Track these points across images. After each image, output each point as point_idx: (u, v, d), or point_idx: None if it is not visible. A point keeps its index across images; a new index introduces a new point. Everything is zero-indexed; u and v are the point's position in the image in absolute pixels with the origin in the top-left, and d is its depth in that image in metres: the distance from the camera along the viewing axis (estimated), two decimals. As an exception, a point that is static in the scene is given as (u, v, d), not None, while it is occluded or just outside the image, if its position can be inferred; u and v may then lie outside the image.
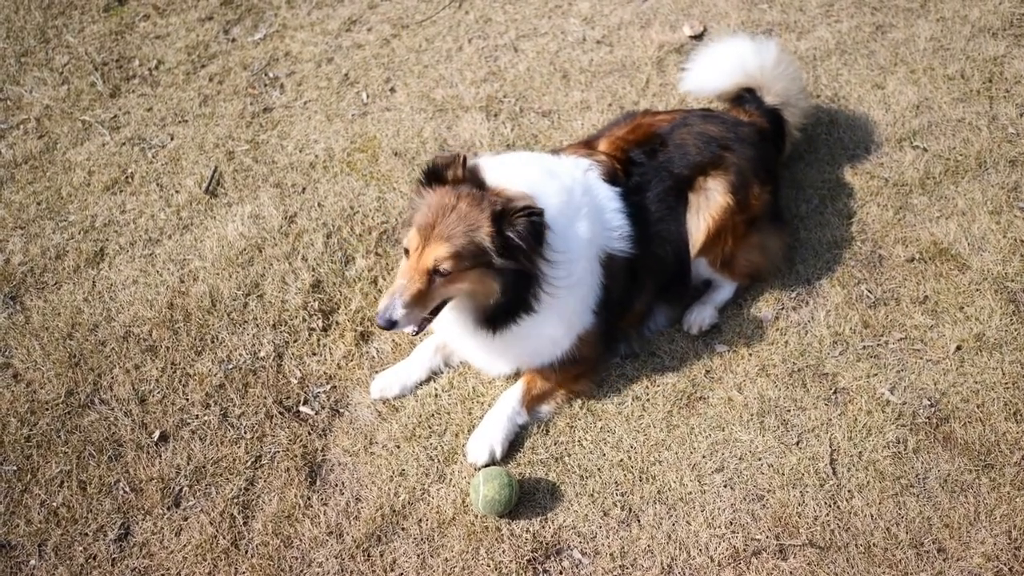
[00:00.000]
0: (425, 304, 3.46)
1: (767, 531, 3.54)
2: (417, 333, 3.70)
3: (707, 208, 4.06)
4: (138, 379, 4.09)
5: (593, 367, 4.00)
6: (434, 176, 3.54)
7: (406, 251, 3.49)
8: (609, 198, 3.88)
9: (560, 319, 3.76)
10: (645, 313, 4.18)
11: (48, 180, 5.04)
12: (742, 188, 4.09)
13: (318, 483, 3.74)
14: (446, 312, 3.66)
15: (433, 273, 3.41)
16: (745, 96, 4.64)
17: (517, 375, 3.98)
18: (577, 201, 3.72)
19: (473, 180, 3.53)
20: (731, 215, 4.06)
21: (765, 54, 4.58)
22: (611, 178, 3.93)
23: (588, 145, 4.18)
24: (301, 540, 3.57)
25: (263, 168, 5.05)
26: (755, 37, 4.82)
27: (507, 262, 3.46)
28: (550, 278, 3.59)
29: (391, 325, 3.42)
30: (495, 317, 3.62)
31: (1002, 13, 5.62)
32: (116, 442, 3.88)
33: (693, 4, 5.91)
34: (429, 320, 3.60)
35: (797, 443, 3.79)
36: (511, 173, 3.64)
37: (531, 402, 3.89)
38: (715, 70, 4.67)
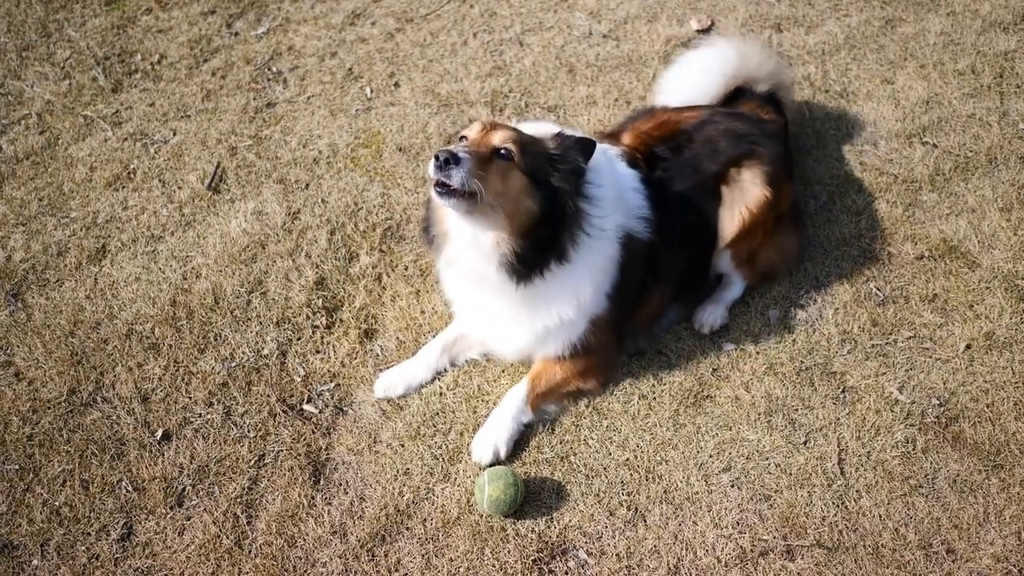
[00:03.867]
0: (481, 173, 3.28)
1: (774, 531, 3.51)
2: (445, 194, 3.29)
3: (743, 201, 4.02)
4: (141, 377, 4.07)
5: (602, 361, 3.96)
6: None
7: (461, 137, 3.47)
8: (630, 177, 3.85)
9: (581, 283, 3.68)
10: (660, 311, 4.15)
11: (50, 176, 5.02)
12: (776, 182, 4.05)
13: (322, 482, 3.72)
14: (471, 258, 3.51)
15: (495, 152, 3.37)
16: (735, 95, 4.58)
17: (523, 371, 3.96)
18: (603, 168, 3.70)
19: None
20: (768, 209, 4.02)
21: (731, 57, 4.53)
22: (631, 163, 3.91)
23: (612, 136, 4.14)
24: (305, 540, 3.55)
25: (266, 164, 5.02)
26: (711, 44, 4.75)
27: (561, 184, 3.47)
28: (590, 218, 3.56)
29: (453, 157, 3.22)
30: (525, 259, 3.47)
31: (1013, 7, 5.58)
32: (119, 441, 3.86)
33: (700, -2, 5.88)
34: (465, 198, 3.30)
35: (805, 442, 3.76)
36: (545, 130, 3.69)
37: (536, 400, 3.86)
38: (697, 87, 4.58)
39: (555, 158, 3.49)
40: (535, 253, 3.49)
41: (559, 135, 3.58)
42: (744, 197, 4.03)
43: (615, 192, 3.72)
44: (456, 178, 3.24)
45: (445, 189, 3.28)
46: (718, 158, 4.03)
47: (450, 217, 3.50)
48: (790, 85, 4.81)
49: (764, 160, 4.05)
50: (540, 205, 3.44)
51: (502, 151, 3.37)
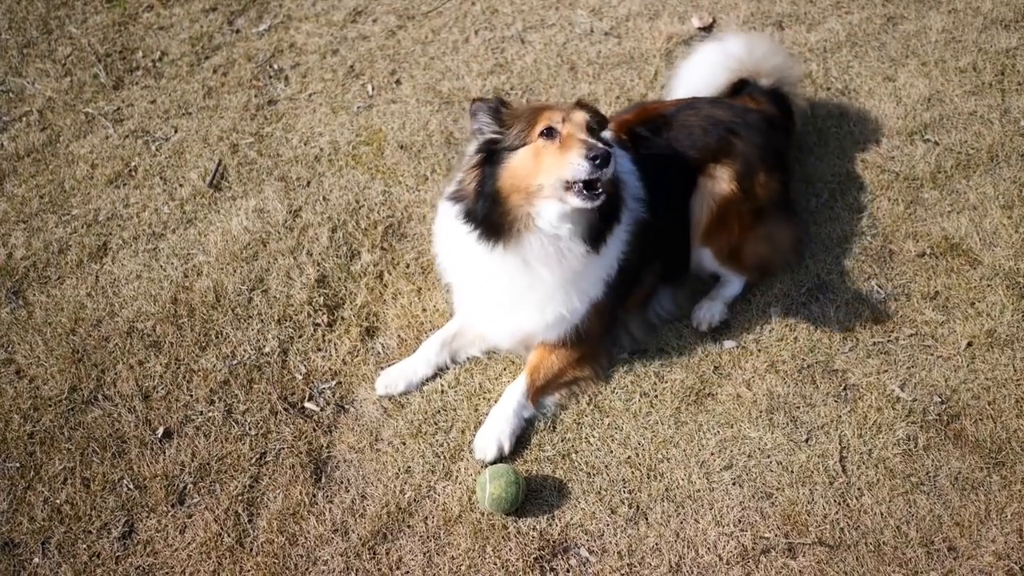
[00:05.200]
0: None
1: (776, 529, 3.51)
2: (599, 196, 3.36)
3: (711, 195, 4.06)
4: (142, 375, 4.07)
5: (597, 348, 3.98)
6: (502, 103, 3.63)
7: (548, 131, 3.43)
8: (623, 156, 3.88)
9: (605, 258, 3.73)
10: (650, 292, 4.17)
11: (51, 173, 5.01)
12: (747, 176, 4.07)
13: (323, 480, 3.72)
14: (555, 243, 3.53)
15: (589, 131, 3.43)
16: (740, 87, 4.61)
17: (522, 367, 3.95)
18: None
19: None
20: (735, 203, 4.05)
21: (740, 47, 4.59)
22: (620, 145, 3.94)
23: None
24: (306, 538, 3.55)
25: (267, 161, 5.01)
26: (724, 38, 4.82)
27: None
28: (625, 184, 3.69)
29: (607, 153, 3.27)
30: (606, 216, 3.57)
31: (1015, 4, 5.57)
32: (120, 439, 3.86)
33: (701, -5, 5.87)
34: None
35: (806, 440, 3.76)
36: None
37: (536, 393, 3.87)
38: (699, 81, 4.63)
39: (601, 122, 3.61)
40: (610, 211, 3.60)
41: (581, 102, 3.65)
42: (713, 192, 4.06)
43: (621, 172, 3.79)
44: (607, 173, 3.33)
45: (595, 192, 3.35)
46: (695, 144, 4.07)
47: (547, 209, 3.46)
48: (796, 81, 4.80)
49: (735, 156, 4.08)
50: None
51: (591, 127, 3.46)
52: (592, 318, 3.85)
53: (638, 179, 3.88)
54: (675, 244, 4.16)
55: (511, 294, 3.76)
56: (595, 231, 3.57)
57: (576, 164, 3.29)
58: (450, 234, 3.73)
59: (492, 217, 3.52)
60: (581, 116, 3.46)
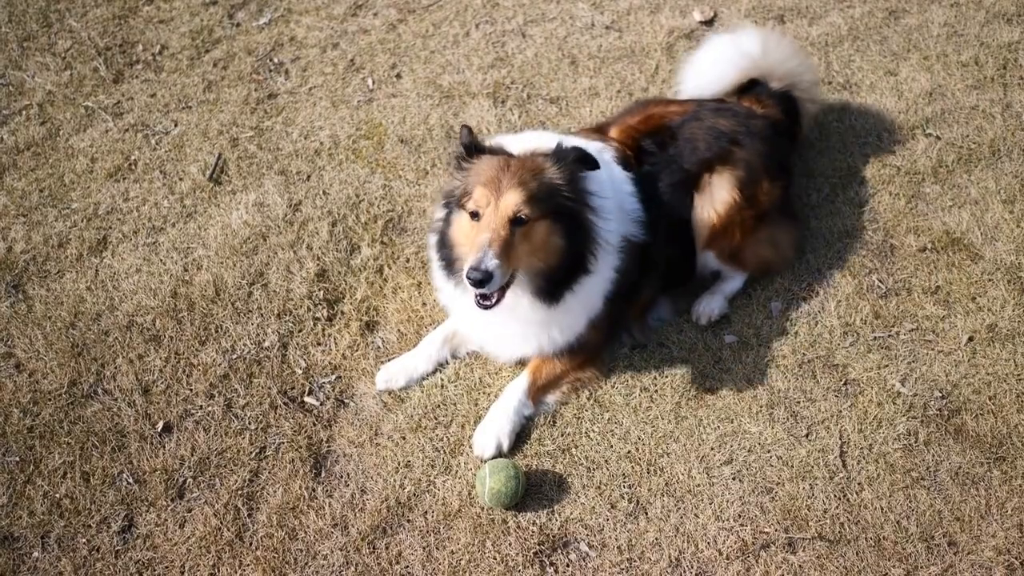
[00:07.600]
0: (509, 259, 3.35)
1: (776, 524, 3.51)
2: (491, 307, 3.44)
3: (712, 204, 4.04)
4: (141, 369, 4.06)
5: (598, 354, 3.98)
6: (473, 148, 3.57)
7: (473, 214, 3.43)
8: (624, 180, 3.88)
9: (591, 294, 3.73)
10: (649, 303, 4.15)
11: (50, 167, 5.00)
12: (750, 183, 4.06)
13: (323, 475, 3.72)
14: (504, 299, 3.54)
15: (513, 223, 3.38)
16: (749, 86, 4.56)
17: (523, 365, 3.95)
18: (603, 179, 3.71)
19: (504, 152, 3.58)
20: (738, 210, 4.04)
21: (755, 45, 4.52)
22: (624, 164, 3.94)
23: (599, 131, 4.17)
24: (306, 532, 3.55)
25: (267, 155, 5.01)
26: (739, 31, 4.76)
27: (572, 203, 3.50)
28: (601, 231, 3.61)
29: (487, 276, 3.26)
30: (557, 282, 3.56)
31: (1017, -2, 5.56)
32: (119, 433, 3.86)
33: (702, -11, 5.85)
34: (502, 294, 3.45)
35: (807, 435, 3.75)
36: (536, 142, 3.70)
37: (537, 393, 3.87)
38: (709, 74, 4.59)
39: (561, 185, 3.50)
40: (565, 275, 3.57)
41: (558, 153, 3.54)
42: (714, 201, 4.05)
43: (616, 201, 3.76)
44: (494, 286, 3.32)
45: (487, 301, 3.39)
46: (696, 157, 4.05)
47: None
48: (810, 85, 4.69)
49: (737, 164, 4.06)
50: (564, 236, 3.50)
51: (519, 218, 3.38)
52: (588, 334, 3.86)
53: (638, 200, 3.87)
54: (677, 258, 4.14)
55: (489, 329, 3.86)
56: (549, 289, 3.57)
57: (465, 270, 3.33)
58: (435, 262, 3.79)
59: (450, 259, 3.63)
60: (510, 203, 3.37)
